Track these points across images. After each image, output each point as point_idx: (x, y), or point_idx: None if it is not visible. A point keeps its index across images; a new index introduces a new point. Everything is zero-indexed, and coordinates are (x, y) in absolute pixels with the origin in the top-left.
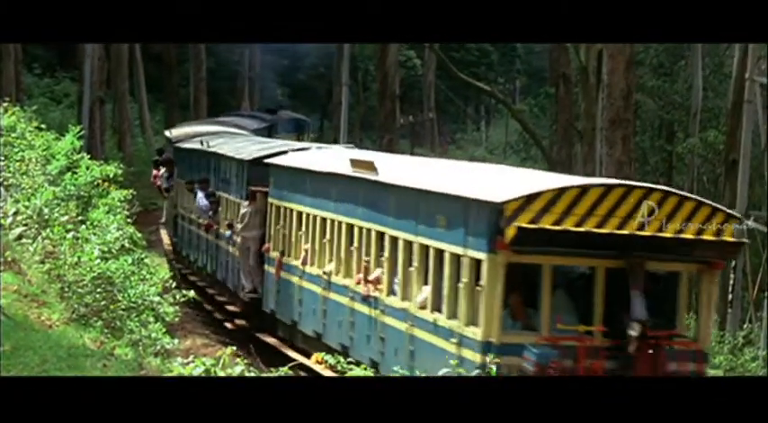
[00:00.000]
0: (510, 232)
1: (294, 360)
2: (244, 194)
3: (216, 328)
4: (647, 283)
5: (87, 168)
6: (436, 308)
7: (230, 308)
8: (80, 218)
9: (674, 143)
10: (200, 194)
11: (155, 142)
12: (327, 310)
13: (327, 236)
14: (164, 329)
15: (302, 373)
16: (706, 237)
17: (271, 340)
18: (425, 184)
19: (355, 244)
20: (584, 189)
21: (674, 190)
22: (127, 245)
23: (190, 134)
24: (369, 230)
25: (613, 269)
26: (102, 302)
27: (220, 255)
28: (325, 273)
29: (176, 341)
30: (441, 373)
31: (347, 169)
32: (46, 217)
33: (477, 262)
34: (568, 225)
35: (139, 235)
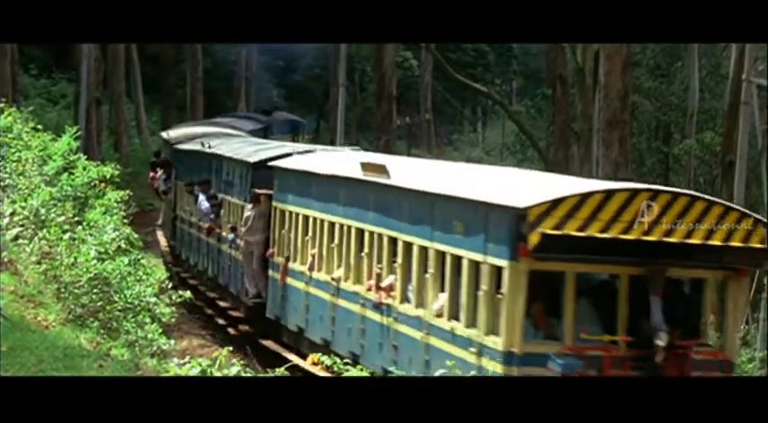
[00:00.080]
0: (534, 239)
1: (290, 361)
2: (248, 197)
3: (212, 330)
4: (670, 290)
5: (84, 169)
6: (453, 316)
7: (233, 313)
8: (77, 219)
9: (671, 144)
10: (201, 197)
11: (151, 143)
12: (336, 317)
13: (336, 241)
14: (160, 330)
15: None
16: (734, 243)
17: (267, 342)
18: (441, 188)
19: (366, 249)
20: (609, 194)
21: (700, 194)
22: (123, 246)
23: (188, 135)
24: (380, 236)
25: (637, 276)
26: (99, 303)
27: (222, 259)
28: (333, 279)
29: (173, 342)
30: (437, 373)
31: (357, 172)
32: (42, 218)
33: (498, 269)
34: (593, 231)
35: (136, 236)
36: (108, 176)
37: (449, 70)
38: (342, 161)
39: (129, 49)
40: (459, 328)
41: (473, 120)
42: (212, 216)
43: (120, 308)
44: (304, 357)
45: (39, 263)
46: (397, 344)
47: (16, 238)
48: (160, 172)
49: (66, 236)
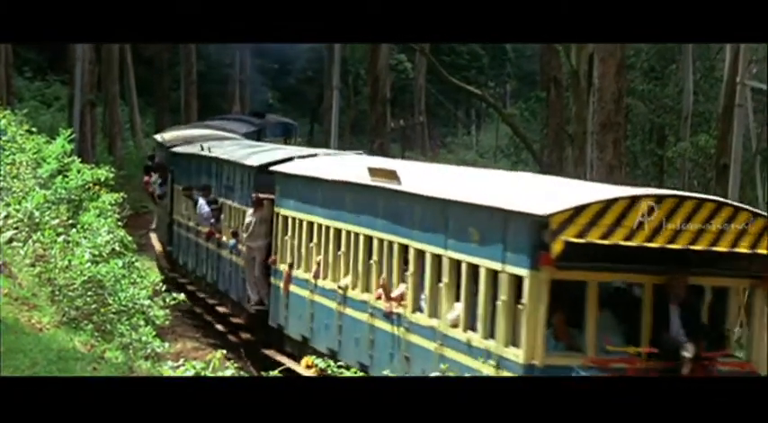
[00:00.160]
0: (557, 247)
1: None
2: (250, 202)
3: (206, 332)
4: (693, 300)
5: (78, 172)
6: (470, 326)
7: (234, 320)
8: (71, 221)
9: (665, 147)
10: (201, 201)
11: (145, 145)
12: (343, 327)
13: (343, 248)
14: (154, 333)
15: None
16: (761, 250)
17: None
18: (456, 194)
19: (375, 257)
20: (633, 200)
21: (726, 200)
22: (117, 248)
23: (184, 138)
24: (391, 243)
25: (661, 285)
26: (93, 306)
27: (222, 264)
28: (340, 287)
29: (167, 345)
30: (433, 374)
31: (365, 178)
32: (37, 220)
33: (518, 279)
34: (617, 239)
35: (130, 238)
36: (102, 179)
37: (443, 73)
38: (348, 166)
39: (124, 51)
40: (477, 339)
41: (467, 122)
42: (212, 220)
43: (114, 310)
44: (292, 357)
45: (33, 265)
46: (408, 355)
47: (10, 240)
48: (155, 176)
49: (61, 239)
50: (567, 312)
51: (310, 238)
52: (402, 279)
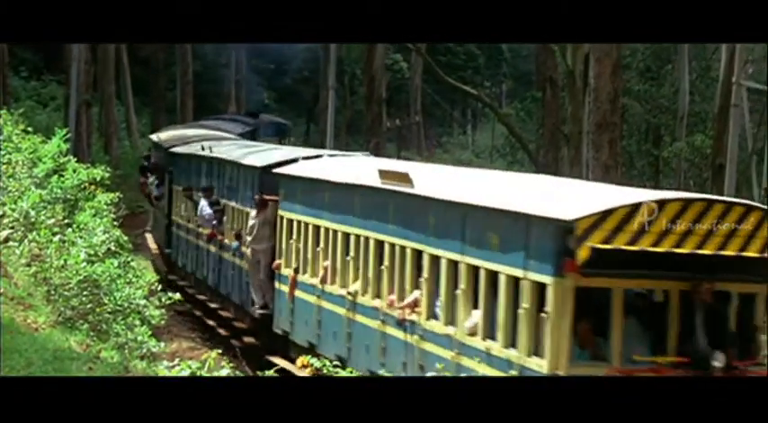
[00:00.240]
0: (583, 253)
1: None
2: (254, 203)
3: (202, 332)
4: (721, 307)
5: (74, 171)
6: (489, 335)
7: (236, 324)
8: (66, 221)
9: (661, 147)
10: (203, 202)
11: (141, 145)
12: (353, 334)
13: (352, 253)
14: (149, 332)
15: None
16: None
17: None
18: (474, 198)
19: (386, 262)
20: (660, 204)
21: (756, 204)
22: (113, 248)
23: (182, 138)
24: (403, 248)
25: (687, 292)
26: (89, 305)
27: (225, 267)
28: (349, 293)
29: (162, 344)
30: (429, 374)
31: (375, 180)
32: (32, 220)
33: (541, 286)
34: (644, 244)
35: (126, 238)
36: (98, 179)
37: (439, 73)
38: (355, 168)
39: (119, 51)
40: (496, 348)
41: (463, 122)
42: (215, 222)
43: (109, 310)
44: (289, 359)
45: (29, 265)
46: (423, 363)
47: (6, 240)
48: (152, 177)
49: (56, 238)
50: (592, 320)
51: (317, 243)
52: (416, 285)
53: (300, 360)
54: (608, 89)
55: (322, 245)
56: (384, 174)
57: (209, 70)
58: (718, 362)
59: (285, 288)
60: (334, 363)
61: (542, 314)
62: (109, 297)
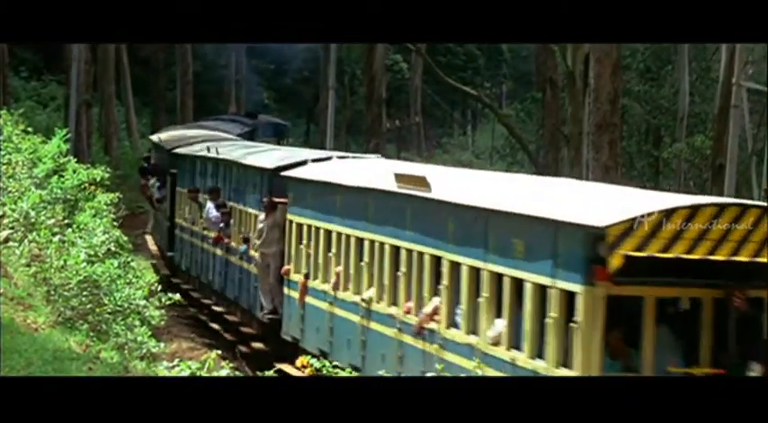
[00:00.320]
0: (615, 261)
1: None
2: (262, 206)
3: (201, 332)
4: (756, 314)
5: (74, 171)
6: (514, 345)
7: (244, 329)
8: (66, 221)
9: (661, 148)
10: (209, 205)
11: (141, 145)
12: (367, 342)
13: (366, 258)
14: (149, 333)
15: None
16: None
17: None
18: (497, 202)
19: (403, 269)
20: (694, 209)
21: None
22: (113, 248)
23: (183, 139)
24: (421, 254)
25: (720, 300)
26: (88, 306)
27: (232, 271)
28: (363, 299)
29: (162, 345)
30: (428, 374)
31: (390, 184)
32: (32, 220)
33: (570, 294)
34: (678, 252)
35: (125, 238)
36: (98, 179)
37: (439, 73)
38: (367, 171)
39: (119, 51)
40: (522, 358)
41: (463, 123)
42: (221, 225)
43: (109, 311)
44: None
45: (28, 265)
46: (442, 373)
47: (6, 240)
48: (153, 179)
49: (56, 238)
50: (623, 330)
51: (328, 248)
52: (434, 293)
53: (300, 360)
54: (608, 90)
55: (334, 250)
56: (400, 177)
57: (209, 70)
58: (755, 373)
59: (294, 294)
60: (334, 363)
61: (571, 324)
62: (109, 297)
